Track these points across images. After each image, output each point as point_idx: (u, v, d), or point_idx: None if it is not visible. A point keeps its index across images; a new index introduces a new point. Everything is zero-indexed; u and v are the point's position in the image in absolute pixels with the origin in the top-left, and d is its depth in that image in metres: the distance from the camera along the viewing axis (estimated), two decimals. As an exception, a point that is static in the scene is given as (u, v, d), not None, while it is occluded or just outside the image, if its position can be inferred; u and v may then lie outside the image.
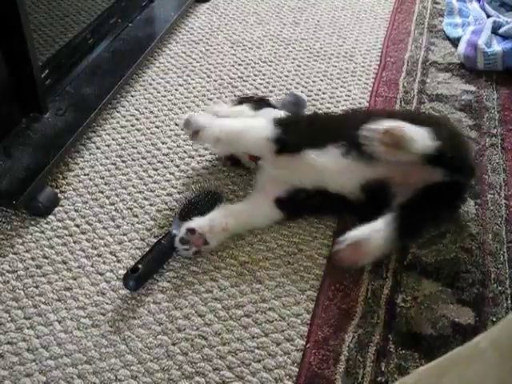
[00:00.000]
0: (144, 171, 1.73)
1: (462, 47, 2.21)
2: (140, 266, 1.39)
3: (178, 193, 1.65)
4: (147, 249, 1.47)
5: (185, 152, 1.80)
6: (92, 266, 1.46)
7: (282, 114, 1.66)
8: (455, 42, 2.32)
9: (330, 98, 2.05)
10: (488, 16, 2.35)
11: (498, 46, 2.15)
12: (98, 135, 1.86)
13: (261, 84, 2.11)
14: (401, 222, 1.37)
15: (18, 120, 1.72)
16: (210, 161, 1.77)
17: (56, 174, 1.70)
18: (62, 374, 1.23)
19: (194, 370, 1.25)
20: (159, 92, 2.06)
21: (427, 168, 1.39)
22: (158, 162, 1.76)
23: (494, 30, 2.23)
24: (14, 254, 1.48)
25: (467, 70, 2.19)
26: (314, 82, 2.13)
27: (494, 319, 1.34)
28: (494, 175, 1.72)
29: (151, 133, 1.88)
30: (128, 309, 1.36)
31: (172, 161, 1.77)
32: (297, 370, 1.25)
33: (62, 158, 1.69)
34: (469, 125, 1.92)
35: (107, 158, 1.77)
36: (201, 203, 1.54)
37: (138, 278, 1.38)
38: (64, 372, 1.24)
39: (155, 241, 1.48)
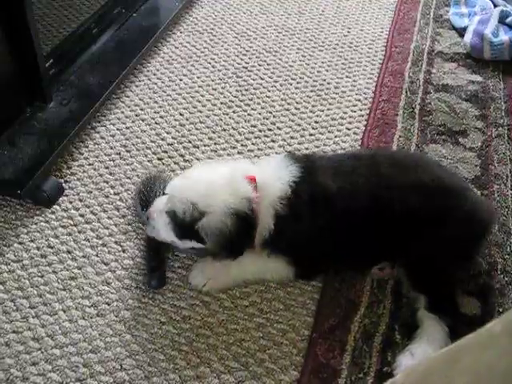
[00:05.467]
0: (149, 161, 1.72)
1: (469, 37, 2.19)
2: (155, 263, 1.39)
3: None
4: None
5: (189, 142, 1.79)
6: (97, 255, 1.46)
7: None
8: (461, 31, 2.30)
9: (335, 88, 2.04)
10: (495, 5, 2.34)
11: (505, 36, 2.14)
12: (102, 125, 1.85)
13: (265, 74, 2.10)
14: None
15: (22, 109, 1.72)
16: (214, 151, 1.76)
17: (60, 164, 1.69)
18: (67, 362, 1.24)
19: (199, 360, 1.25)
20: (163, 82, 2.05)
21: None
22: (163, 151, 1.76)
23: (501, 20, 2.22)
24: (19, 243, 1.48)
25: (473, 60, 2.18)
26: (318, 72, 2.12)
27: (501, 310, 1.34)
28: (501, 166, 1.72)
29: (156, 123, 1.87)
30: (133, 298, 1.36)
31: (177, 150, 1.76)
32: (302, 359, 1.25)
33: (67, 147, 1.69)
34: (475, 115, 1.91)
35: (112, 148, 1.77)
36: (153, 190, 1.54)
37: (160, 276, 1.39)
38: (69, 361, 1.24)
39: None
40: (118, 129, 1.84)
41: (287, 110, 1.94)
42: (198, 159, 1.73)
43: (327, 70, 2.13)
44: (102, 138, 1.80)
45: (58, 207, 1.58)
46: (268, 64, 2.16)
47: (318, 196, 1.33)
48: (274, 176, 1.37)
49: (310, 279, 1.41)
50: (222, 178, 1.35)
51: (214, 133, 1.83)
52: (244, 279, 1.40)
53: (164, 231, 1.38)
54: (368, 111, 1.93)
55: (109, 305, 1.35)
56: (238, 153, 1.76)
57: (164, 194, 1.54)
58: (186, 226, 1.32)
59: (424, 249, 1.31)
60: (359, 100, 1.98)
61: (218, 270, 1.38)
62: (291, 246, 1.35)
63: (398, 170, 1.39)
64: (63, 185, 1.63)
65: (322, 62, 2.17)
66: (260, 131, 1.84)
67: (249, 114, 1.91)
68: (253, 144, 1.80)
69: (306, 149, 1.78)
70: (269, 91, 2.02)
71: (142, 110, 1.93)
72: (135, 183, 1.64)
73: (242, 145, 1.79)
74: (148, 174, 1.62)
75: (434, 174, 1.41)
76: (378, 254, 1.39)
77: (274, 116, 1.91)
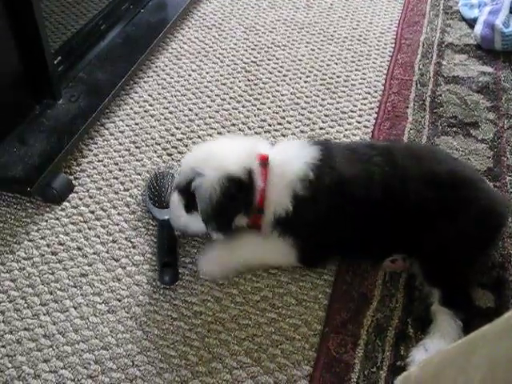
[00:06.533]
0: (158, 157, 1.72)
1: (479, 28, 2.17)
2: (167, 259, 1.39)
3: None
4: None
5: (199, 137, 1.79)
6: (107, 252, 1.45)
7: None
8: (471, 23, 2.28)
9: (345, 81, 2.02)
10: (506, -4, 2.31)
11: (516, 26, 2.12)
12: (111, 121, 1.85)
13: (274, 68, 2.09)
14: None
15: (31, 107, 1.72)
16: (224, 146, 1.76)
17: (70, 161, 1.69)
18: (78, 359, 1.23)
19: (211, 356, 1.24)
20: (172, 77, 2.05)
21: None
22: (173, 147, 1.75)
23: (512, 10, 2.19)
24: (30, 240, 1.48)
25: (484, 51, 2.15)
26: (328, 65, 2.11)
27: (515, 302, 1.33)
28: (513, 157, 1.70)
29: (165, 118, 1.86)
30: (144, 294, 1.36)
31: (186, 146, 1.76)
32: (315, 354, 1.24)
33: (76, 144, 1.69)
34: (486, 106, 1.89)
35: (121, 144, 1.76)
36: (163, 185, 1.55)
37: (173, 271, 1.38)
38: (81, 358, 1.24)
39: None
40: (127, 125, 1.84)
41: (297, 104, 1.92)
42: (207, 154, 1.72)
43: (336, 64, 2.11)
44: (112, 134, 1.80)
45: (67, 204, 1.57)
46: (277, 58, 2.15)
47: (336, 180, 1.33)
48: (294, 156, 1.37)
49: (314, 266, 1.41)
50: (228, 147, 1.39)
51: (223, 128, 1.83)
52: (248, 262, 1.40)
53: (178, 211, 1.40)
54: (378, 104, 1.92)
55: (120, 301, 1.35)
56: (248, 147, 1.75)
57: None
58: (185, 190, 1.36)
59: (439, 241, 1.30)
60: (369, 93, 1.97)
61: (224, 257, 1.39)
62: (305, 229, 1.34)
63: (413, 161, 1.37)
64: (73, 182, 1.63)
65: (331, 56, 2.16)
66: (270, 125, 1.83)
67: (258, 109, 1.90)
68: (263, 138, 1.78)
69: (316, 143, 1.77)
70: (278, 85, 2.01)
71: (151, 105, 1.92)
72: (145, 179, 1.63)
73: (251, 139, 1.78)
74: (157, 170, 1.61)
75: (448, 165, 1.40)
76: (391, 246, 1.38)
77: (283, 110, 1.90)
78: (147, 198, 1.54)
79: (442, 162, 1.40)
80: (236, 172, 1.32)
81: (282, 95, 1.96)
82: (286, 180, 1.34)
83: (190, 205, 1.37)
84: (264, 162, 1.36)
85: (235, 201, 1.33)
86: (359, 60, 2.13)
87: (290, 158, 1.37)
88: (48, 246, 1.47)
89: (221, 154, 1.36)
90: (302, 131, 1.81)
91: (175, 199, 1.40)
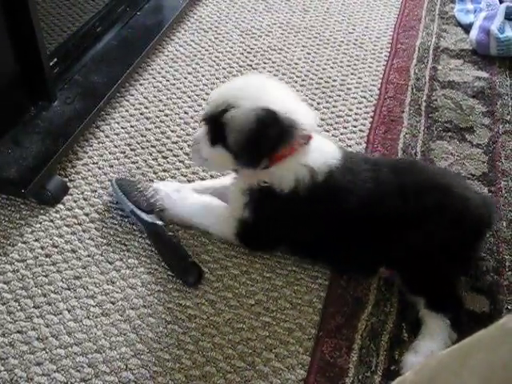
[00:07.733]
0: (153, 159, 1.72)
1: (474, 33, 2.18)
2: (191, 259, 1.40)
3: (188, 181, 1.63)
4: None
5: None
6: (101, 254, 1.45)
7: None
8: (467, 28, 2.29)
9: (341, 85, 2.03)
10: (501, 1, 2.32)
11: (511, 32, 2.12)
12: (106, 124, 1.84)
13: (270, 72, 2.09)
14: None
15: (26, 109, 1.71)
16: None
17: (65, 163, 1.69)
18: (72, 362, 1.23)
19: (204, 359, 1.24)
20: (168, 80, 2.05)
21: None
22: (168, 150, 1.75)
23: (508, 16, 2.19)
24: (23, 242, 1.47)
25: (479, 57, 2.16)
26: (324, 69, 2.11)
27: (510, 307, 1.33)
28: (508, 162, 1.70)
29: (160, 121, 1.86)
30: (138, 297, 1.35)
31: (182, 149, 1.75)
32: (309, 358, 1.24)
33: (71, 146, 1.68)
34: (482, 111, 1.90)
35: (116, 147, 1.76)
36: (134, 191, 1.54)
37: (198, 271, 1.39)
38: (74, 361, 1.23)
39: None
40: (122, 127, 1.83)
41: (292, 107, 1.92)
42: (202, 157, 1.72)
43: (332, 68, 2.12)
44: (107, 136, 1.80)
45: (62, 206, 1.57)
46: (273, 62, 2.15)
47: (332, 199, 1.32)
48: (324, 151, 1.36)
49: (252, 248, 1.45)
50: (275, 87, 1.36)
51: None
52: (188, 216, 1.47)
53: (202, 143, 1.37)
54: (374, 108, 1.92)
55: (113, 304, 1.34)
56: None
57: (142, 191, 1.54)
58: (215, 120, 1.32)
59: (412, 249, 1.30)
60: (365, 97, 1.97)
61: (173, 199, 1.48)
62: (278, 218, 1.36)
63: (391, 175, 1.36)
64: (67, 184, 1.62)
65: (327, 60, 2.16)
66: (265, 129, 1.83)
67: (254, 112, 1.90)
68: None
69: (312, 146, 1.76)
70: (274, 89, 2.01)
71: (146, 108, 1.92)
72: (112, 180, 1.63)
73: (247, 143, 1.78)
74: (115, 180, 1.59)
75: (422, 175, 1.39)
76: (371, 260, 1.37)
77: (279, 114, 1.89)
78: (132, 208, 1.50)
79: (417, 173, 1.39)
80: (275, 108, 1.27)
81: (278, 99, 1.96)
82: (305, 163, 1.31)
83: (217, 137, 1.33)
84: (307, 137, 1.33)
85: (269, 133, 1.28)
86: (355, 64, 2.14)
87: (321, 150, 1.35)
88: (42, 248, 1.46)
89: (261, 89, 1.32)
90: (297, 135, 1.80)
91: (202, 131, 1.38)
